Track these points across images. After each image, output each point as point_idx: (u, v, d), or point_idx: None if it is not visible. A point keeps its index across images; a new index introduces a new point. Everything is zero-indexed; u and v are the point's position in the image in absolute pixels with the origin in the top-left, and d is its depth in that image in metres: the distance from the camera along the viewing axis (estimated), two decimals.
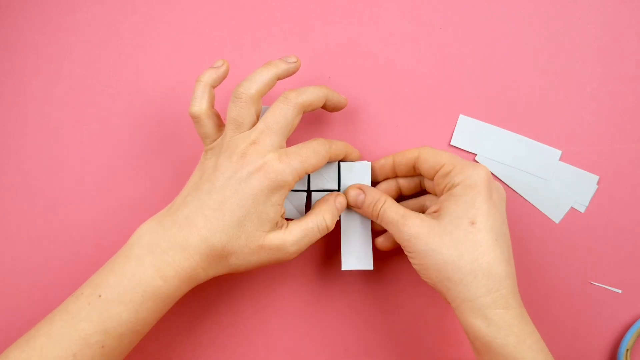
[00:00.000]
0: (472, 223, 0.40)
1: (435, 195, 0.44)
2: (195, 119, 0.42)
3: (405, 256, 0.42)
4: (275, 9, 0.49)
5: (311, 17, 0.49)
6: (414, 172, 0.45)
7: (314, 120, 0.49)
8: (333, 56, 0.49)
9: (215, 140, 0.43)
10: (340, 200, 0.44)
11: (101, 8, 0.49)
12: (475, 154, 0.48)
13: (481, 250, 0.39)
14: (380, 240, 0.46)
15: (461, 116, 0.48)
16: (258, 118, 0.42)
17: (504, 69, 0.49)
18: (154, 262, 0.39)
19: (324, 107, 0.44)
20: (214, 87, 0.43)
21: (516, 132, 0.48)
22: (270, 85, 0.42)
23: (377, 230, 0.46)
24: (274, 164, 0.39)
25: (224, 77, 0.43)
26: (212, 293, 0.48)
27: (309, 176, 0.45)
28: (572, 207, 0.48)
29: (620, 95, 0.48)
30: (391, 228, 0.42)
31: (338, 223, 0.47)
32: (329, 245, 0.48)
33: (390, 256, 0.48)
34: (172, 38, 0.49)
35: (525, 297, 0.43)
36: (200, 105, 0.42)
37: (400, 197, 0.47)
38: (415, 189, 0.47)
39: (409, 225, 0.41)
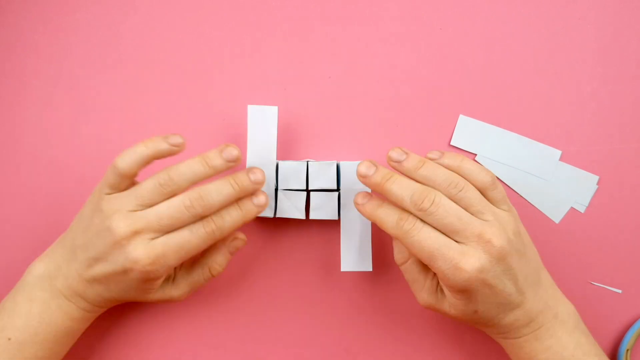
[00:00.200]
0: (475, 312, 0.40)
1: None
2: (114, 169, 0.40)
3: None
4: (275, 9, 0.49)
5: (311, 17, 0.49)
6: None
7: (315, 120, 0.49)
8: (333, 56, 0.49)
9: (116, 192, 0.41)
10: (234, 245, 0.44)
11: (101, 8, 0.49)
12: (475, 154, 0.48)
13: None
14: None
15: (461, 116, 0.48)
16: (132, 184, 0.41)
17: (504, 69, 0.49)
18: (59, 306, 0.41)
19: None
20: (155, 159, 0.40)
21: (516, 132, 0.48)
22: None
23: (376, 231, 0.46)
24: (147, 267, 0.39)
25: (172, 155, 0.41)
26: (212, 293, 0.48)
27: (308, 176, 0.45)
28: (572, 207, 0.48)
29: (620, 95, 0.48)
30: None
31: (338, 223, 0.47)
32: (329, 245, 0.48)
33: (389, 257, 0.48)
34: (172, 38, 0.49)
35: None
36: (129, 166, 0.40)
37: None
38: None
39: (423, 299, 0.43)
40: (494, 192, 0.40)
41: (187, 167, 0.40)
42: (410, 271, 0.43)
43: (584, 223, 0.48)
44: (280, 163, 0.46)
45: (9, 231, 0.48)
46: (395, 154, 0.41)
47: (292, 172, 0.45)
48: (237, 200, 0.41)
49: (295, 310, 0.48)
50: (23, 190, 0.49)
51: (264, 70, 0.49)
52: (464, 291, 0.38)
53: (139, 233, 0.39)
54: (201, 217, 0.40)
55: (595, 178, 0.48)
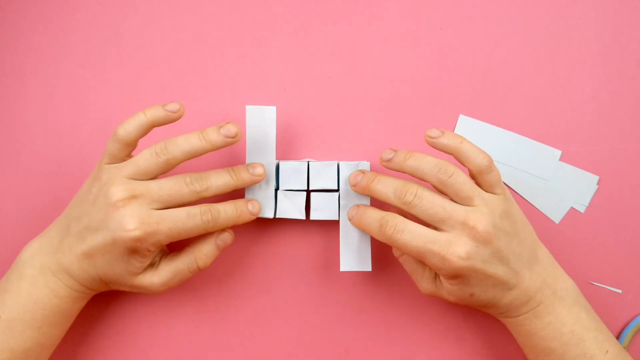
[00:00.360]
0: (472, 295, 0.41)
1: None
2: (115, 136, 0.41)
3: None
4: (275, 8, 0.49)
5: (311, 17, 0.49)
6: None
7: (315, 120, 0.49)
8: (333, 56, 0.49)
9: (115, 162, 0.42)
10: (222, 238, 0.43)
11: (101, 8, 0.49)
12: None
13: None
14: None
15: (461, 116, 0.48)
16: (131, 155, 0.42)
17: (504, 69, 0.49)
18: (46, 283, 0.41)
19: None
20: (154, 126, 0.41)
21: (516, 132, 0.48)
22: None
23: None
24: (136, 234, 0.39)
25: (171, 122, 0.42)
26: (211, 292, 0.48)
27: (308, 176, 0.45)
28: (572, 207, 0.48)
29: (620, 95, 0.48)
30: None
31: (337, 223, 0.47)
32: (329, 245, 0.48)
33: (389, 257, 0.48)
34: (172, 38, 0.49)
35: None
36: (128, 132, 0.41)
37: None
38: None
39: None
40: (490, 175, 0.41)
41: (184, 139, 0.41)
42: (408, 262, 0.44)
43: (584, 223, 0.48)
44: (281, 163, 0.46)
45: (8, 231, 0.48)
46: (384, 154, 0.43)
47: (293, 172, 0.45)
48: (235, 192, 0.43)
49: (294, 310, 0.48)
50: (23, 190, 0.49)
51: (263, 70, 0.49)
52: (457, 277, 0.39)
53: (136, 198, 0.39)
54: (199, 199, 0.41)
55: (595, 178, 0.48)
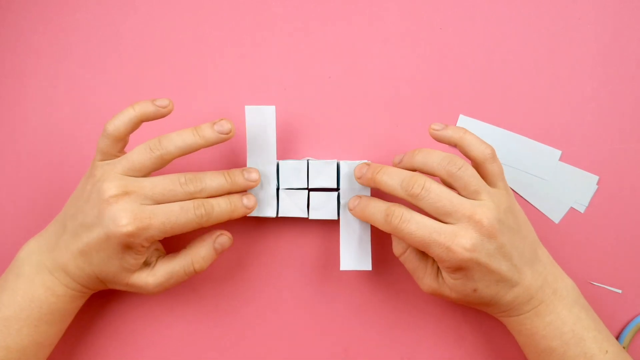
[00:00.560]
0: (475, 290, 0.41)
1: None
2: (105, 132, 0.41)
3: None
4: (275, 8, 0.49)
5: (311, 17, 0.49)
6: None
7: (315, 120, 0.49)
8: (333, 56, 0.49)
9: (108, 159, 0.42)
10: (220, 241, 0.43)
11: (101, 8, 0.49)
12: None
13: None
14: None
15: (461, 116, 0.48)
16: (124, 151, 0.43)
17: (504, 69, 0.49)
18: (43, 282, 0.41)
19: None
20: (143, 121, 0.42)
21: (516, 132, 0.48)
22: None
23: (376, 231, 0.46)
24: (129, 229, 0.39)
25: (160, 117, 0.42)
26: (211, 292, 0.48)
27: (308, 175, 0.45)
28: (572, 207, 0.48)
29: (620, 95, 0.48)
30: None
31: (337, 222, 0.47)
32: (329, 245, 0.48)
33: (389, 256, 0.48)
34: (172, 38, 0.49)
35: None
36: (117, 127, 0.41)
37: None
38: None
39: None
40: (493, 165, 0.41)
41: (178, 135, 0.41)
42: (410, 260, 0.43)
43: (584, 223, 0.48)
44: (281, 162, 0.46)
45: (8, 231, 0.48)
46: (395, 159, 0.44)
47: (293, 171, 0.45)
48: (229, 194, 0.43)
49: (294, 309, 0.48)
50: (23, 189, 0.49)
51: (263, 70, 0.49)
52: (460, 269, 0.39)
53: (129, 194, 0.39)
54: (192, 199, 0.41)
55: (595, 178, 0.48)
